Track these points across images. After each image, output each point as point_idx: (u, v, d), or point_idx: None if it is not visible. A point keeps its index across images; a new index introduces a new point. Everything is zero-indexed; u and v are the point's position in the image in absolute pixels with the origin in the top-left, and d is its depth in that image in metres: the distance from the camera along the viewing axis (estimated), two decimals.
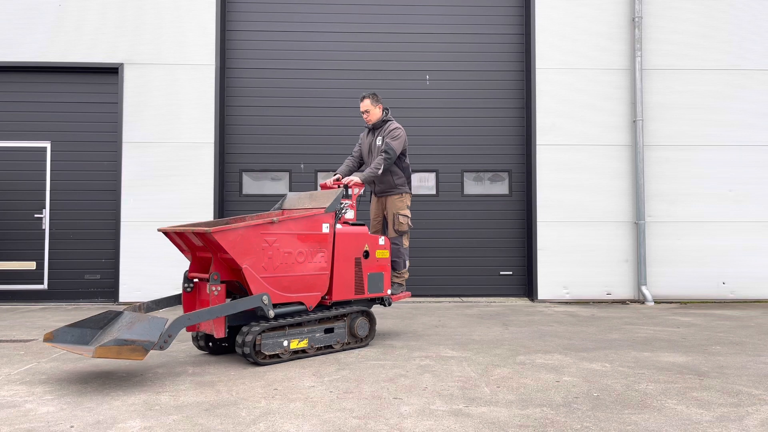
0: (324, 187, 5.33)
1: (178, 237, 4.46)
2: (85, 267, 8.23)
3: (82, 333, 4.02)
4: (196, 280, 4.52)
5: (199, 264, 4.53)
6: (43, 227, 8.24)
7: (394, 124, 5.47)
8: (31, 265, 8.22)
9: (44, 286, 8.20)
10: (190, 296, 4.51)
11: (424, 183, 8.72)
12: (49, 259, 8.22)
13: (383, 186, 5.50)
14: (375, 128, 5.55)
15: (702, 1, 8.57)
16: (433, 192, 8.69)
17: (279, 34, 8.68)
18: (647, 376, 4.08)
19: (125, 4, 8.29)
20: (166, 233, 4.49)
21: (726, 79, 8.52)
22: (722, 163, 8.46)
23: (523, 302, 8.23)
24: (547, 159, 8.41)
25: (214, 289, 4.22)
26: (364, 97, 5.52)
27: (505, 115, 8.76)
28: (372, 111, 5.48)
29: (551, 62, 8.48)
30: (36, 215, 8.26)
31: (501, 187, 8.74)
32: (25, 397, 3.59)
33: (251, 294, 4.32)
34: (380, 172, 5.26)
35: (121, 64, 8.22)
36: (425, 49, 8.76)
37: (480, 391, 3.70)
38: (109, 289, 8.17)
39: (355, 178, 5.26)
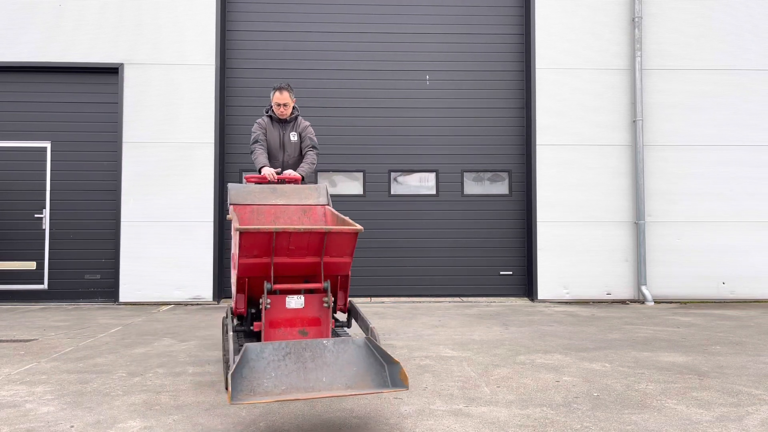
0: (258, 180, 4.67)
1: (267, 238, 3.57)
2: (85, 267, 8.23)
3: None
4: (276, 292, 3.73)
5: (284, 273, 3.75)
6: (43, 227, 8.24)
7: (306, 121, 5.32)
8: (31, 265, 8.22)
9: (44, 286, 8.20)
10: (279, 312, 3.59)
11: (424, 183, 8.72)
12: (49, 259, 8.22)
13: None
14: (284, 122, 5.18)
15: (702, 1, 8.57)
16: (433, 192, 8.69)
17: (279, 34, 8.68)
18: (647, 376, 4.08)
19: (125, 3, 8.29)
20: (249, 233, 3.54)
21: (726, 78, 8.52)
22: (722, 163, 8.46)
23: (523, 302, 8.23)
24: (547, 159, 8.41)
25: (329, 301, 3.66)
26: (283, 89, 5.06)
27: (505, 115, 8.76)
28: (289, 104, 5.13)
29: (551, 62, 8.48)
30: (36, 215, 8.26)
31: (501, 187, 8.74)
32: (25, 397, 3.59)
33: (343, 303, 3.84)
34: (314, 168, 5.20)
35: (121, 64, 8.22)
36: (425, 49, 8.76)
37: (480, 391, 3.70)
38: (109, 289, 8.17)
39: (300, 173, 4.91)
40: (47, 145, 8.32)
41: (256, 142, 5.12)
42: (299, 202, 4.37)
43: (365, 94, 8.66)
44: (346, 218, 4.09)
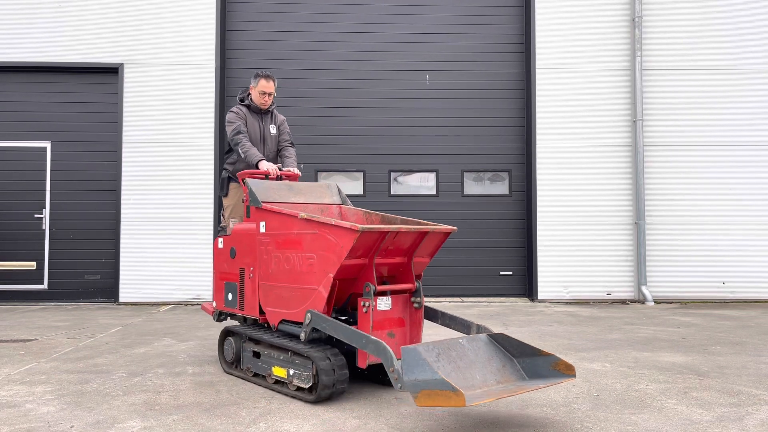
0: (251, 176, 4.36)
1: (376, 238, 3.39)
2: (85, 267, 8.23)
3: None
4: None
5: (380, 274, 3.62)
6: (43, 227, 8.24)
7: (281, 115, 5.05)
8: (31, 265, 8.22)
9: (44, 286, 8.20)
10: (366, 315, 3.41)
11: (424, 183, 8.72)
12: (49, 259, 8.21)
13: None
14: (262, 113, 4.86)
15: (702, 1, 8.57)
16: (433, 192, 8.69)
17: (278, 34, 8.67)
18: (647, 376, 4.08)
19: (125, 3, 8.29)
20: (369, 233, 3.33)
21: (726, 78, 8.52)
22: (722, 163, 8.46)
23: (523, 302, 8.23)
24: (547, 159, 8.41)
25: (420, 301, 3.64)
26: (270, 77, 4.78)
27: (505, 115, 8.76)
28: (273, 94, 4.83)
29: (551, 62, 8.48)
30: (36, 215, 8.26)
31: (501, 187, 8.74)
32: (25, 397, 3.59)
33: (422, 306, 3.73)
34: None
35: (121, 64, 8.22)
36: (425, 49, 8.76)
37: None
38: (109, 289, 8.17)
39: (295, 170, 4.67)
40: (47, 145, 8.32)
41: (238, 132, 4.63)
42: (315, 201, 4.23)
43: (365, 94, 8.66)
44: (384, 214, 4.13)
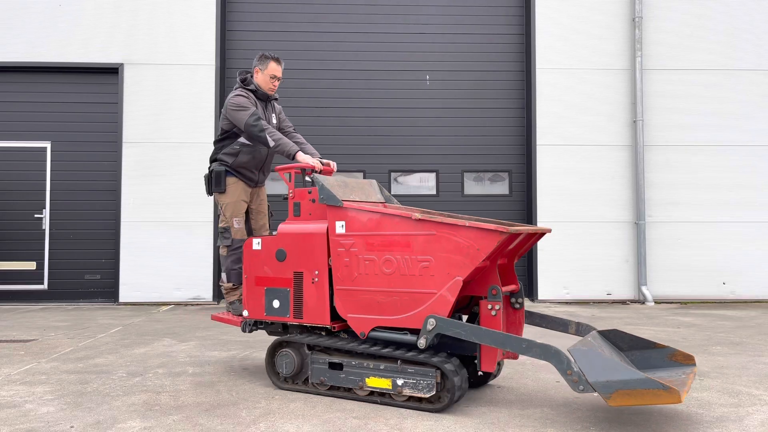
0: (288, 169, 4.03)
1: (508, 240, 3.27)
2: (85, 267, 8.23)
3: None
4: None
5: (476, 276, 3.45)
6: (43, 227, 8.24)
7: (278, 103, 4.67)
8: (31, 265, 8.21)
9: (44, 286, 8.19)
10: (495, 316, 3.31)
11: (424, 183, 8.72)
12: (49, 259, 8.21)
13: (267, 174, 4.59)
14: (264, 100, 4.44)
15: (702, 2, 8.57)
16: (434, 192, 8.69)
17: (279, 34, 8.67)
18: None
19: (125, 3, 8.28)
20: (514, 235, 3.22)
21: (726, 79, 8.52)
22: (723, 163, 8.46)
23: None
24: (548, 159, 8.41)
25: (522, 302, 3.58)
26: (280, 60, 4.45)
27: (505, 115, 8.76)
28: (281, 80, 4.49)
29: (551, 62, 8.48)
30: (36, 215, 8.26)
31: (501, 187, 8.74)
32: (25, 397, 3.58)
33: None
34: None
35: (121, 64, 8.22)
36: (425, 49, 8.75)
37: (480, 392, 3.70)
38: (109, 289, 8.17)
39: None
40: (47, 145, 8.32)
41: (259, 118, 4.13)
42: (366, 199, 3.89)
43: (365, 94, 8.66)
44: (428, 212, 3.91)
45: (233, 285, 4.30)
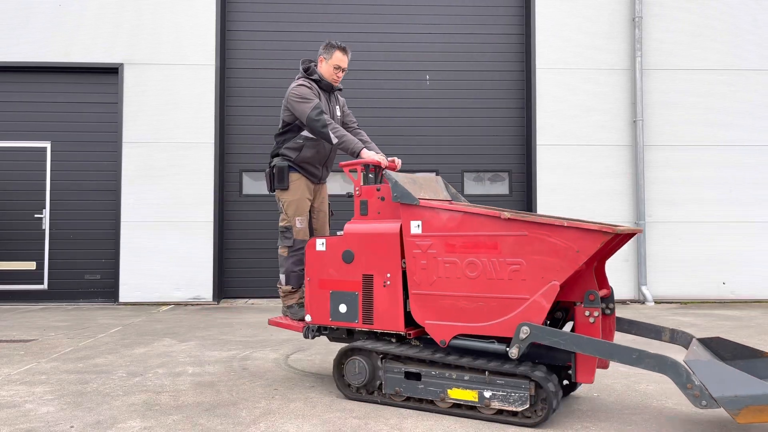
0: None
1: (609, 242, 3.09)
2: (85, 267, 8.23)
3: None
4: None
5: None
6: (43, 227, 8.24)
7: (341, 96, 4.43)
8: (31, 265, 8.21)
9: (44, 286, 8.19)
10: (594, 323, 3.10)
11: None
12: (49, 259, 8.21)
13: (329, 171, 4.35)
14: (328, 92, 4.23)
15: (702, 1, 8.57)
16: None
17: (279, 34, 8.67)
18: (647, 376, 4.08)
19: (125, 4, 8.28)
20: (622, 235, 3.08)
21: (727, 79, 8.52)
22: (722, 163, 8.46)
23: None
24: (547, 159, 8.41)
25: (613, 307, 3.39)
26: (347, 50, 4.19)
27: (505, 115, 8.76)
28: (346, 71, 4.24)
29: (551, 62, 8.48)
30: (36, 215, 8.25)
31: (501, 187, 8.73)
32: (25, 397, 3.58)
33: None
34: None
35: (121, 64, 8.21)
36: (425, 49, 8.75)
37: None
38: (109, 289, 8.16)
39: None
40: (47, 145, 8.32)
41: (322, 112, 3.88)
42: (434, 197, 3.63)
43: (365, 94, 8.65)
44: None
45: (292, 288, 4.02)
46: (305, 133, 4.00)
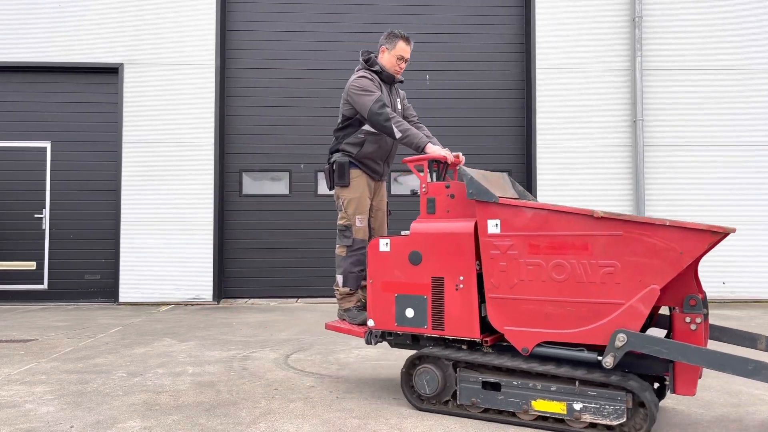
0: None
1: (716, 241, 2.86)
2: (85, 267, 8.22)
3: None
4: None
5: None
6: (43, 227, 8.24)
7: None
8: (31, 265, 8.21)
9: (44, 286, 8.19)
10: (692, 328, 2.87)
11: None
12: (49, 259, 8.21)
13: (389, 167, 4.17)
14: (390, 82, 4.02)
15: (702, 1, 8.57)
16: None
17: (279, 34, 8.67)
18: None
19: (125, 4, 8.28)
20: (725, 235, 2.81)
21: (727, 79, 8.51)
22: (722, 163, 8.46)
23: None
24: (547, 159, 8.41)
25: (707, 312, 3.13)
26: (410, 39, 3.98)
27: (505, 115, 8.76)
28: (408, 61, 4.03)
29: (551, 62, 8.48)
30: (36, 215, 8.25)
31: None
32: (25, 397, 3.59)
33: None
34: None
35: (121, 64, 8.21)
36: (425, 49, 8.75)
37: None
38: (109, 289, 8.16)
39: None
40: (47, 145, 8.32)
41: (384, 105, 3.70)
42: (503, 194, 3.40)
43: None
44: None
45: (350, 290, 3.83)
46: (366, 127, 3.82)
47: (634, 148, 8.37)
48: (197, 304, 7.91)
